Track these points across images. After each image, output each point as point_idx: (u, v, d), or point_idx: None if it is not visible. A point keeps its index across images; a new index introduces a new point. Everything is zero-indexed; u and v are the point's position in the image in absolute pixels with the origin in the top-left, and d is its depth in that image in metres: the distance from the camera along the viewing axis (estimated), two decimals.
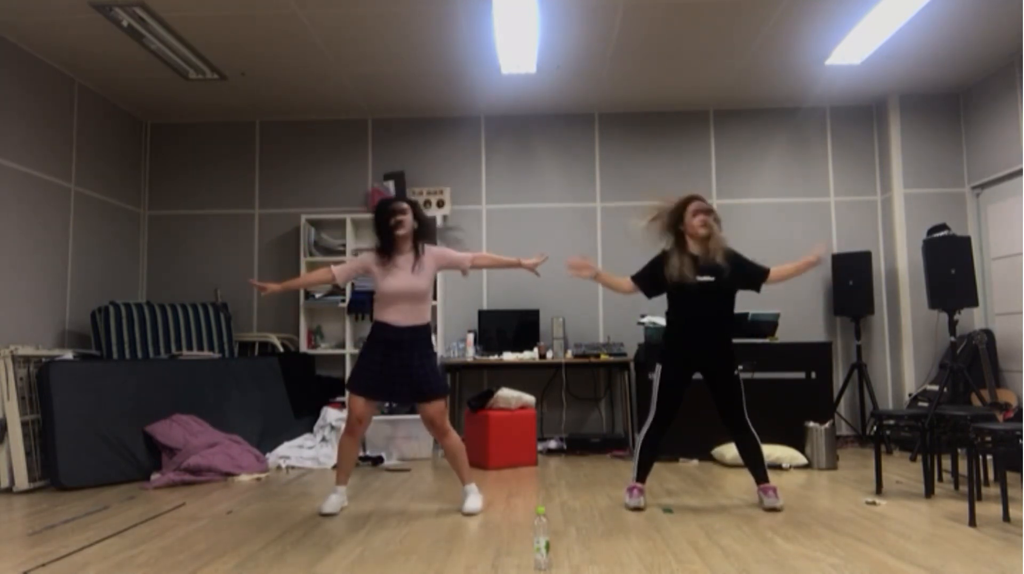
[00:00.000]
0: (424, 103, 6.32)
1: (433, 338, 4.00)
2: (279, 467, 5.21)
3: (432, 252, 3.87)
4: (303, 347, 6.26)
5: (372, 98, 6.19)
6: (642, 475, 3.84)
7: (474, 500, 3.79)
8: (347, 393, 3.94)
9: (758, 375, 5.40)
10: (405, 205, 3.84)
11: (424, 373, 3.74)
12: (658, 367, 3.84)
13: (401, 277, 3.75)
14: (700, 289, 3.71)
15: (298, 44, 5.10)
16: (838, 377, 6.19)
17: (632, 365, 5.93)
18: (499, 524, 3.48)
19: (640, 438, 3.86)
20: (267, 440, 5.46)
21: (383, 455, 5.43)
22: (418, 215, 3.86)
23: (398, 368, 3.71)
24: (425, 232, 3.88)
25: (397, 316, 3.75)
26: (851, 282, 6.03)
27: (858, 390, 6.15)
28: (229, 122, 6.69)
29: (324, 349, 6.33)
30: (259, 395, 5.64)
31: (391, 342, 3.74)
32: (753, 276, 3.82)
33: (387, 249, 3.79)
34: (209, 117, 6.64)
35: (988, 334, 5.76)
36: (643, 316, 5.70)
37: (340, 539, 3.23)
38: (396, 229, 3.75)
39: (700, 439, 5.21)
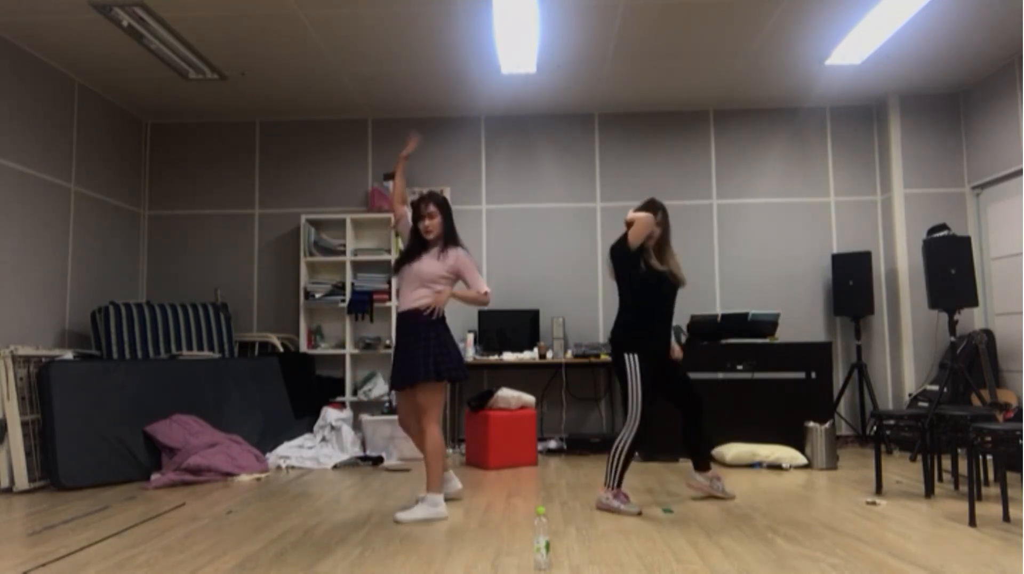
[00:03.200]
0: (424, 103, 6.32)
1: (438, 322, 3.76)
2: (279, 467, 5.21)
3: (459, 255, 3.74)
4: (303, 347, 6.26)
5: (372, 98, 6.19)
6: (621, 481, 3.76)
7: (417, 510, 3.55)
8: None
9: (758, 375, 5.40)
10: (433, 208, 3.75)
11: (409, 355, 3.64)
12: (634, 358, 3.72)
13: (415, 259, 3.75)
14: (671, 283, 3.85)
15: (298, 44, 5.10)
16: (838, 377, 6.19)
17: None
18: (499, 524, 3.48)
19: (625, 447, 3.71)
20: (267, 440, 5.46)
21: (383, 455, 5.43)
22: (446, 215, 3.80)
23: (401, 353, 3.72)
24: (451, 234, 3.81)
25: (401, 300, 3.77)
26: (851, 282, 6.03)
27: (858, 390, 6.15)
28: (229, 122, 6.69)
29: (324, 349, 6.33)
30: (259, 395, 5.64)
31: (398, 329, 3.76)
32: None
33: (416, 245, 3.81)
34: (209, 117, 6.64)
35: (988, 334, 5.76)
36: None
37: (340, 539, 3.23)
38: (425, 234, 3.75)
39: None
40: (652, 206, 3.85)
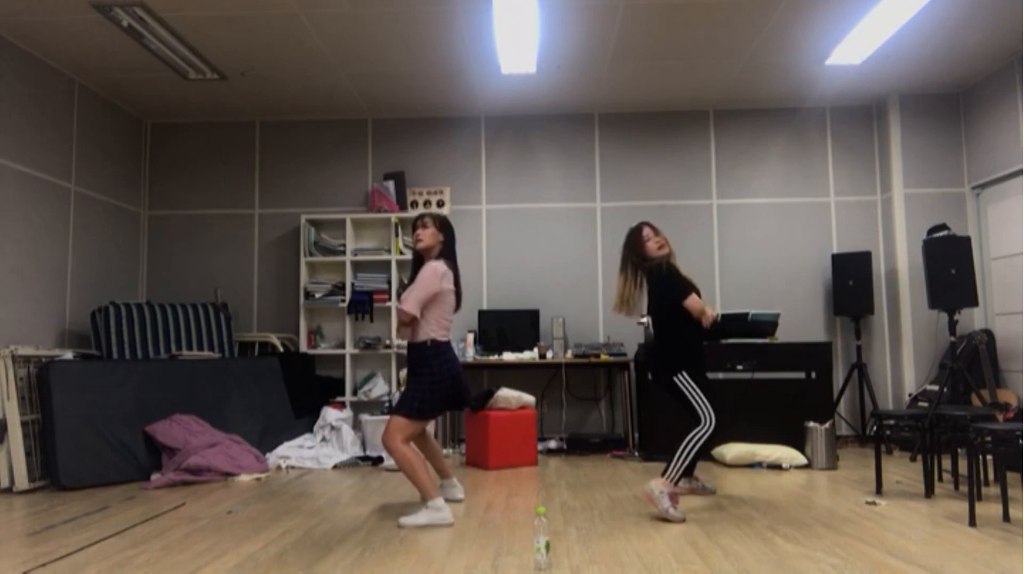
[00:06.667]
0: (424, 103, 6.32)
1: (431, 356, 3.63)
2: (279, 467, 5.21)
3: (428, 266, 3.64)
4: (303, 347, 6.26)
5: (372, 98, 6.19)
6: (682, 476, 3.66)
7: (421, 515, 3.47)
8: None
9: (758, 375, 5.40)
10: (427, 219, 3.71)
11: (404, 389, 3.68)
12: (684, 375, 3.74)
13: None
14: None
15: (298, 44, 5.10)
16: (838, 377, 6.19)
17: (632, 365, 5.93)
18: (499, 524, 3.48)
19: (701, 440, 3.63)
20: (267, 440, 5.46)
21: (383, 455, 5.43)
22: (445, 232, 3.73)
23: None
24: (444, 251, 3.72)
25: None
26: (851, 282, 6.03)
27: (858, 390, 6.15)
28: (229, 122, 6.69)
29: (324, 349, 6.33)
30: (259, 395, 5.64)
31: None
32: None
33: (416, 263, 3.75)
34: (209, 117, 6.64)
35: (988, 334, 5.76)
36: (643, 316, 5.69)
37: (340, 539, 3.24)
38: (415, 243, 3.70)
39: None
40: (636, 233, 3.97)
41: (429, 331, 3.61)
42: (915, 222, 6.11)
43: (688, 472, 4.13)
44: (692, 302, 3.77)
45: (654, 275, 3.88)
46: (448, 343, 3.68)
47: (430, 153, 6.59)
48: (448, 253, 3.74)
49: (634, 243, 3.97)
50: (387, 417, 5.59)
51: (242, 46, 5.12)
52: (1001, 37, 5.15)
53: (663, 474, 3.63)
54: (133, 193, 6.48)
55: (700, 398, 3.72)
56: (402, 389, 3.69)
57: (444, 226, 3.75)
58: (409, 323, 3.61)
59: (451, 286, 3.67)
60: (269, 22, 4.77)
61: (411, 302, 3.56)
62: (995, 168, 5.78)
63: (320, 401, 5.97)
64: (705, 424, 3.68)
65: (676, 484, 3.62)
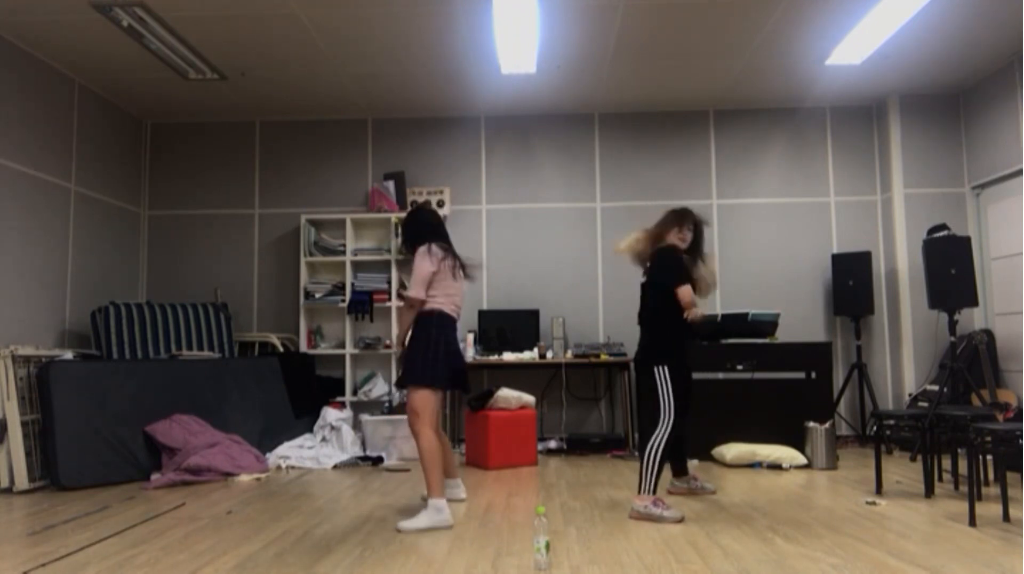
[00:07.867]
0: (424, 103, 6.32)
1: (430, 324, 3.72)
2: (279, 467, 5.21)
3: (417, 254, 3.76)
4: (303, 347, 6.26)
5: (372, 98, 6.19)
6: (657, 485, 3.61)
7: (421, 518, 3.42)
8: None
9: (758, 375, 5.40)
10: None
11: (406, 357, 3.70)
12: (664, 369, 3.68)
13: None
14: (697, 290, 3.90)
15: (298, 44, 5.10)
16: (838, 377, 6.19)
17: (632, 365, 5.93)
18: (499, 524, 3.48)
19: (660, 447, 3.59)
20: (267, 440, 5.46)
21: (383, 455, 5.43)
22: (406, 226, 3.90)
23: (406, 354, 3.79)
24: (410, 235, 3.87)
25: None
26: (851, 282, 6.03)
27: (858, 390, 6.15)
28: (229, 122, 6.70)
29: (324, 349, 6.33)
30: (259, 395, 5.64)
31: None
32: None
33: None
34: (209, 117, 6.64)
35: (988, 334, 5.76)
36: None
37: (340, 539, 3.24)
38: None
39: (700, 439, 5.22)
40: (678, 217, 3.93)
41: (434, 303, 3.72)
42: (915, 222, 6.11)
43: (677, 474, 4.14)
44: (684, 292, 3.73)
45: (658, 256, 3.85)
46: (452, 320, 3.74)
47: (430, 153, 6.59)
48: (424, 236, 3.79)
49: (674, 223, 3.94)
50: (387, 417, 5.62)
51: (242, 46, 5.12)
52: (1001, 37, 5.15)
53: (639, 490, 3.60)
54: (133, 193, 6.48)
55: (669, 397, 3.66)
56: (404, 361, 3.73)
57: (405, 224, 3.92)
58: (420, 306, 3.72)
59: (444, 258, 3.74)
60: (269, 22, 4.77)
61: (414, 287, 3.70)
62: (995, 168, 5.78)
63: (320, 401, 5.97)
64: (662, 427, 3.64)
65: (654, 493, 3.57)
